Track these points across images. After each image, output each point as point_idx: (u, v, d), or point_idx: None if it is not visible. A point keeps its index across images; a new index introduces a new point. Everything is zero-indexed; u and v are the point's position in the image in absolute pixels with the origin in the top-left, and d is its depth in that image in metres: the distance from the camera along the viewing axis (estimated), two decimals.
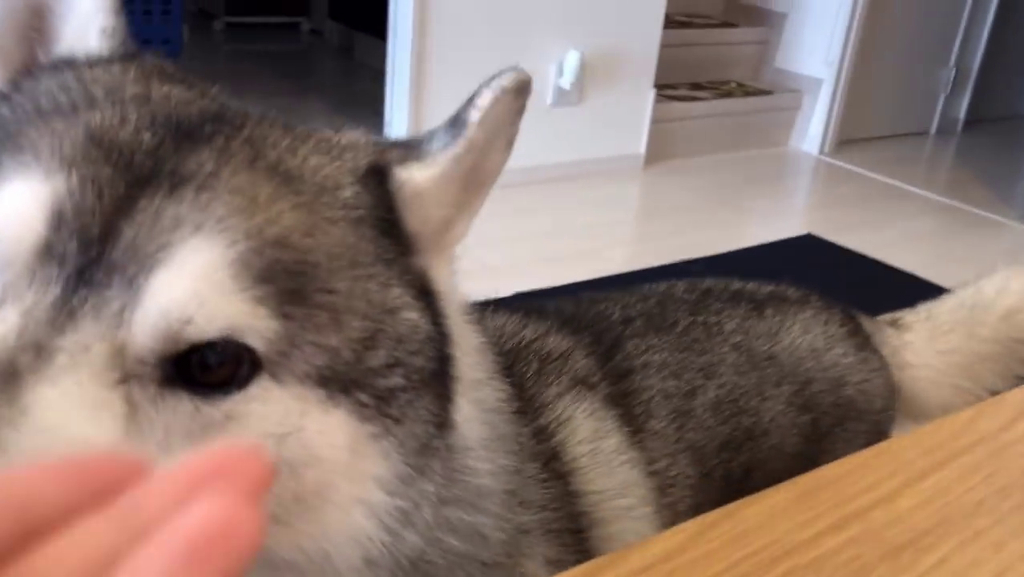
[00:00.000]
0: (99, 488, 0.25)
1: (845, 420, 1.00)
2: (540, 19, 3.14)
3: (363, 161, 0.55)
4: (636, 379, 0.87)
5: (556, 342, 0.85)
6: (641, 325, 0.93)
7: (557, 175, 3.35)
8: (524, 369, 0.80)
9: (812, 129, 4.13)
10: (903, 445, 0.71)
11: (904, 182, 3.86)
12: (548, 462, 0.74)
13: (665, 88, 3.75)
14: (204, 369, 0.46)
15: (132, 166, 0.48)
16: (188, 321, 0.44)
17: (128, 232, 0.46)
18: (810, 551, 0.60)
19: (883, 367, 1.07)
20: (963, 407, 0.85)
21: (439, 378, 0.55)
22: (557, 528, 0.71)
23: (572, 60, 3.19)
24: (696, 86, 4.02)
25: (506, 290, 2.42)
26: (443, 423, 0.55)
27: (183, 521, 0.24)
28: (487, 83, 0.54)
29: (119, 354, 0.44)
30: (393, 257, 0.53)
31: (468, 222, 0.59)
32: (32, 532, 0.24)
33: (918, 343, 1.13)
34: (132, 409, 0.44)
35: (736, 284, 1.07)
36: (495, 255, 2.75)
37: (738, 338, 0.96)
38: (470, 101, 0.54)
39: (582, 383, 0.82)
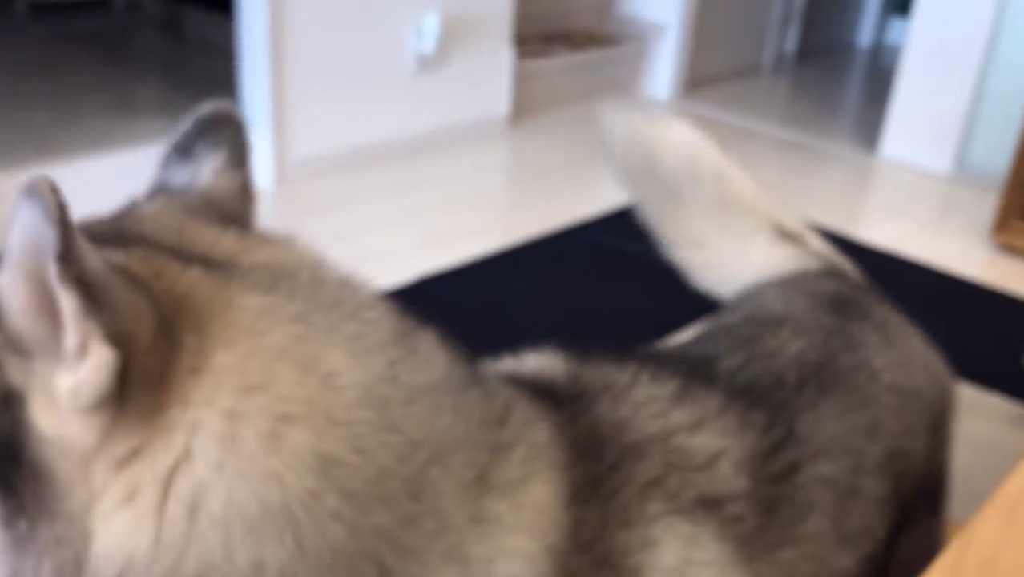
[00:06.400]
0: None
1: (944, 416, 0.92)
2: None
3: None
4: (799, 478, 0.69)
5: (706, 440, 0.65)
6: (813, 390, 0.76)
7: (424, 144, 3.21)
8: (627, 479, 0.60)
9: (660, 75, 4.16)
10: None
11: (753, 121, 3.96)
12: None
13: (519, 43, 3.66)
14: None
15: None
16: None
17: None
18: None
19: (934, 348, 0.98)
20: None
21: None
22: None
23: (432, 23, 3.04)
24: (547, 39, 3.95)
25: (405, 277, 2.29)
26: None
27: None
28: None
29: None
30: None
31: None
32: None
33: None
34: None
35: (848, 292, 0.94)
36: (382, 241, 2.60)
37: (888, 377, 0.83)
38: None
39: (705, 505, 0.63)
